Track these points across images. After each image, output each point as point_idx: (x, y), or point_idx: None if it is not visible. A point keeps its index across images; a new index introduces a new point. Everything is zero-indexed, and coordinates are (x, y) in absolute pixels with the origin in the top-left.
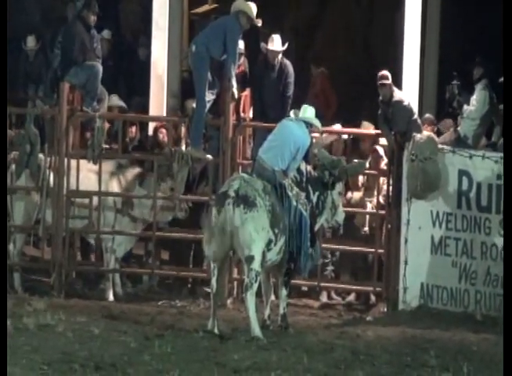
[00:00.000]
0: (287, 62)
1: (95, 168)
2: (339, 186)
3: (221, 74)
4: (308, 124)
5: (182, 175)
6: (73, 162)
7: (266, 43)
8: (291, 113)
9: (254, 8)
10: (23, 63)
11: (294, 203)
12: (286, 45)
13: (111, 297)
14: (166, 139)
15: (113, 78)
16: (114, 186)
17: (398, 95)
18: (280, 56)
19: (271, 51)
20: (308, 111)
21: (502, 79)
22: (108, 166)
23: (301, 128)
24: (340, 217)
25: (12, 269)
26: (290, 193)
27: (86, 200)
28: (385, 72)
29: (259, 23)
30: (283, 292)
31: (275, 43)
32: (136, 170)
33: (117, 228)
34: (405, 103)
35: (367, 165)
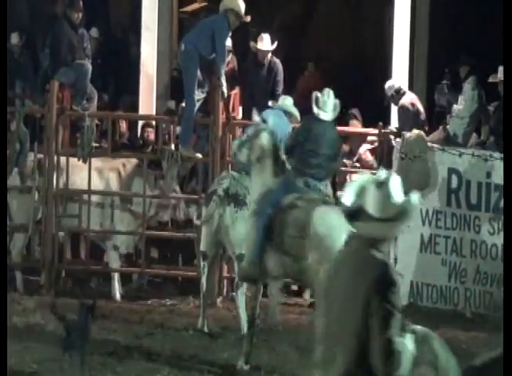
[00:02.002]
0: (277, 60)
1: (98, 165)
2: (324, 189)
3: (211, 73)
4: (288, 114)
5: (172, 173)
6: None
7: (255, 42)
8: (269, 103)
9: (242, 5)
10: (10, 60)
11: None
12: (276, 43)
13: (118, 295)
14: (152, 137)
15: (102, 77)
16: (114, 183)
17: (403, 100)
18: (270, 54)
19: (260, 50)
20: (287, 100)
21: (490, 79)
22: (110, 163)
23: (280, 118)
24: None
25: (13, 268)
26: None
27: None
28: (396, 83)
29: (248, 19)
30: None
31: (265, 42)
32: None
33: (119, 225)
34: (408, 107)
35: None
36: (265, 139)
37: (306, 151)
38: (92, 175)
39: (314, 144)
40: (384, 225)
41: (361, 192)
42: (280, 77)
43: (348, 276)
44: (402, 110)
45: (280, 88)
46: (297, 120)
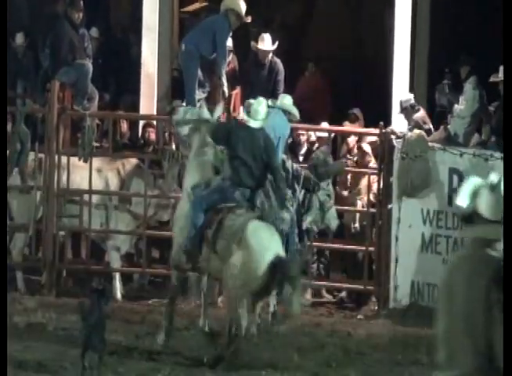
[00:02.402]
0: (277, 60)
1: (97, 165)
2: (326, 188)
3: (211, 73)
4: (287, 113)
5: (173, 173)
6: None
7: (256, 42)
8: (269, 102)
9: (243, 5)
10: (11, 60)
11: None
12: (277, 43)
13: (119, 295)
14: (153, 137)
15: (103, 76)
16: (114, 183)
17: (416, 115)
18: (271, 54)
19: (261, 50)
20: (286, 99)
21: (491, 78)
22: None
23: (279, 117)
24: (333, 222)
25: (14, 268)
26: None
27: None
28: (412, 98)
29: (248, 19)
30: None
31: (266, 42)
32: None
33: (118, 225)
34: (420, 123)
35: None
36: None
37: (236, 165)
38: (82, 174)
39: (243, 157)
40: (497, 227)
41: (474, 195)
42: (281, 76)
43: (468, 275)
44: (414, 125)
45: (281, 87)
46: (297, 118)
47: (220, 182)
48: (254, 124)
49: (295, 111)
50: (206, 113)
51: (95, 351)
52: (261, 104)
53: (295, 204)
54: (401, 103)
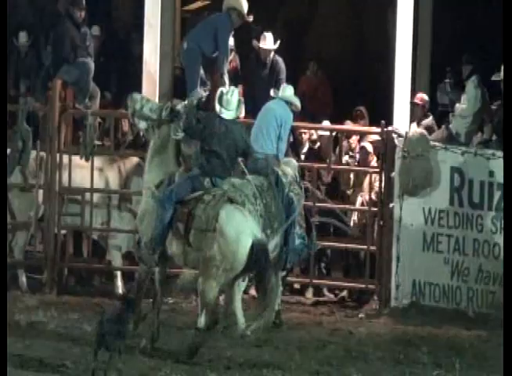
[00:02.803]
0: (279, 59)
1: (97, 164)
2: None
3: (213, 71)
4: (289, 103)
5: None
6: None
7: (258, 41)
8: (271, 93)
9: (245, 4)
10: (14, 59)
11: (286, 190)
12: (278, 42)
13: (120, 293)
14: None
15: (104, 75)
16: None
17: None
18: (272, 53)
19: (263, 49)
20: (287, 90)
21: (493, 77)
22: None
23: (281, 106)
24: None
25: (15, 266)
26: (284, 180)
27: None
28: (424, 95)
29: (250, 19)
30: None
31: (268, 41)
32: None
33: (119, 224)
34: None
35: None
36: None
37: (210, 152)
38: (83, 172)
39: (216, 149)
40: None
41: None
42: (283, 75)
43: None
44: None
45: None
46: (298, 108)
47: (186, 174)
48: (226, 115)
49: (297, 101)
50: (181, 107)
51: (108, 350)
52: (233, 94)
53: (302, 198)
54: (417, 99)
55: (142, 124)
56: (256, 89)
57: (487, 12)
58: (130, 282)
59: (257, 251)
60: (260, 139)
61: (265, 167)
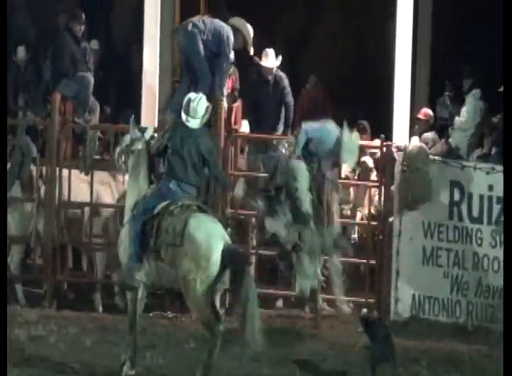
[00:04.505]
0: (282, 74)
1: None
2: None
3: (212, 85)
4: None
5: None
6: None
7: (259, 57)
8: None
9: (251, 34)
10: (13, 73)
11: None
12: (280, 58)
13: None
14: None
15: (104, 89)
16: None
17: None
18: (275, 69)
19: (265, 67)
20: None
21: (501, 89)
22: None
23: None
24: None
25: (12, 281)
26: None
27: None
28: (428, 110)
29: (251, 51)
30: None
31: (270, 58)
32: None
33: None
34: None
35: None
36: (139, 146)
37: (175, 158)
38: (82, 187)
39: (182, 151)
40: None
41: None
42: (288, 89)
43: None
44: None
45: (290, 98)
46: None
47: (153, 187)
48: (192, 123)
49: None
50: (137, 134)
51: (386, 362)
52: (200, 102)
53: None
54: (424, 115)
55: (120, 161)
56: (260, 104)
57: (487, 24)
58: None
59: (230, 252)
60: None
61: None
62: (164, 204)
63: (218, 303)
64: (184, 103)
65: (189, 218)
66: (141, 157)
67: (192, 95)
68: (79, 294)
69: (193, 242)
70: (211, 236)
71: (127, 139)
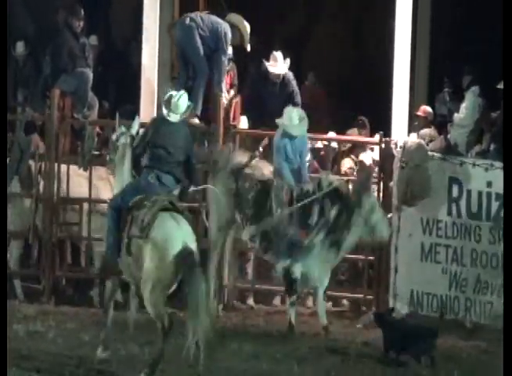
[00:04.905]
0: (290, 75)
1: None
2: (370, 201)
3: (209, 83)
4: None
5: None
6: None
7: (267, 60)
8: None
9: (248, 30)
10: (12, 69)
11: None
12: (288, 61)
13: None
14: None
15: (102, 84)
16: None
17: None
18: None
19: (274, 73)
20: (292, 119)
21: (499, 85)
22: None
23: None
24: (385, 233)
25: (11, 276)
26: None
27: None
28: (427, 107)
29: (248, 48)
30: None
31: (279, 63)
32: None
33: None
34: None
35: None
36: (124, 141)
37: (157, 151)
38: (81, 183)
39: (162, 144)
40: None
41: None
42: (296, 90)
43: None
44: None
45: (298, 99)
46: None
47: (133, 180)
48: (173, 118)
49: (298, 131)
50: (122, 129)
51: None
52: (181, 98)
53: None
54: (422, 113)
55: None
56: (268, 102)
57: (486, 23)
58: (127, 291)
59: (183, 253)
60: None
61: None
62: (139, 197)
63: None
64: (165, 98)
65: (155, 216)
66: (125, 152)
67: (173, 92)
68: (77, 289)
69: (153, 240)
70: (170, 236)
71: (114, 134)
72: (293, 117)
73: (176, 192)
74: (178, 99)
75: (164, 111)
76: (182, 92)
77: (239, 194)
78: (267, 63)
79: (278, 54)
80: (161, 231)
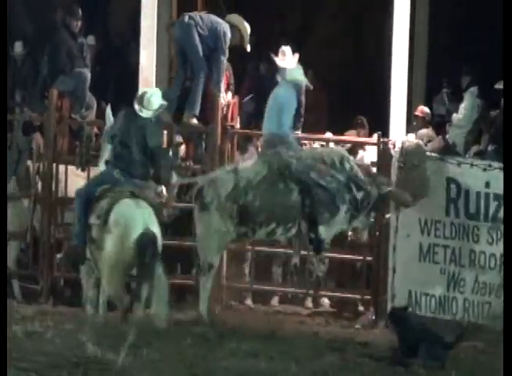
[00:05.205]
0: None
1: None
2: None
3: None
4: (297, 85)
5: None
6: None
7: (276, 55)
8: (277, 78)
9: (248, 30)
10: (10, 69)
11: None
12: (297, 56)
13: None
14: None
15: (100, 85)
16: None
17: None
18: None
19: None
20: (294, 72)
21: (497, 85)
22: None
23: (284, 89)
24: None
25: (9, 277)
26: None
27: None
28: (425, 108)
29: (248, 48)
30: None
31: (287, 58)
32: None
33: None
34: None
35: None
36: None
37: (122, 148)
38: (79, 183)
39: (129, 141)
40: None
41: None
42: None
43: None
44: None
45: (303, 98)
46: (303, 83)
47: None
48: (145, 114)
49: (300, 78)
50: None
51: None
52: (155, 95)
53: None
54: (421, 112)
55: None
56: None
57: (485, 23)
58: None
59: (143, 239)
60: (267, 124)
61: (279, 160)
62: (104, 187)
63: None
64: (139, 94)
65: (115, 202)
66: (104, 145)
67: (147, 89)
68: (75, 290)
69: (114, 225)
70: (130, 221)
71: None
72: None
73: (146, 187)
74: (151, 96)
75: (136, 107)
76: (157, 89)
77: None
78: (276, 59)
79: (287, 48)
80: (120, 215)
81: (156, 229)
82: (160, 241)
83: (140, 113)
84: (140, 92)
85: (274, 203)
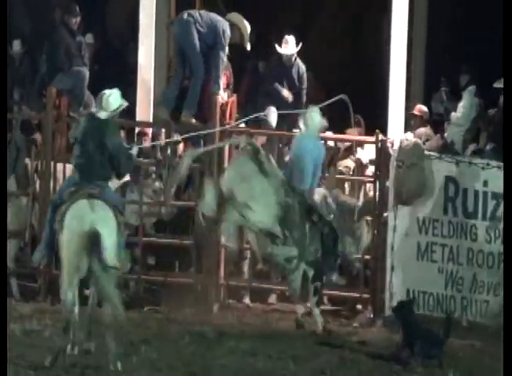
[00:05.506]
0: (300, 63)
1: None
2: None
3: (207, 81)
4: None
5: (171, 181)
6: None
7: (280, 45)
8: (300, 125)
9: (249, 29)
10: (9, 67)
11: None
12: (300, 45)
13: None
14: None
15: (98, 83)
16: None
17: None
18: (294, 58)
19: (286, 55)
20: (315, 119)
21: (496, 84)
22: None
23: (313, 144)
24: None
25: (8, 275)
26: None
27: None
28: (423, 107)
29: (248, 47)
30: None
31: (290, 45)
32: None
33: None
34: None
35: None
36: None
37: (81, 151)
38: None
39: (87, 144)
40: None
41: None
42: (305, 75)
43: None
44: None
45: (305, 81)
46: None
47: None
48: (102, 115)
49: (321, 124)
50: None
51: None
52: (113, 96)
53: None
54: (419, 111)
55: None
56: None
57: (484, 22)
58: (124, 290)
59: (89, 238)
60: (297, 178)
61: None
62: (69, 190)
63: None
64: (98, 96)
65: (71, 204)
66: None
67: (107, 90)
68: None
69: (66, 227)
70: (79, 219)
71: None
72: (315, 117)
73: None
74: (109, 96)
75: (94, 108)
76: (115, 90)
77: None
78: (279, 48)
79: (290, 38)
80: (72, 217)
81: (106, 230)
82: (107, 243)
83: (98, 115)
84: (100, 94)
85: None
